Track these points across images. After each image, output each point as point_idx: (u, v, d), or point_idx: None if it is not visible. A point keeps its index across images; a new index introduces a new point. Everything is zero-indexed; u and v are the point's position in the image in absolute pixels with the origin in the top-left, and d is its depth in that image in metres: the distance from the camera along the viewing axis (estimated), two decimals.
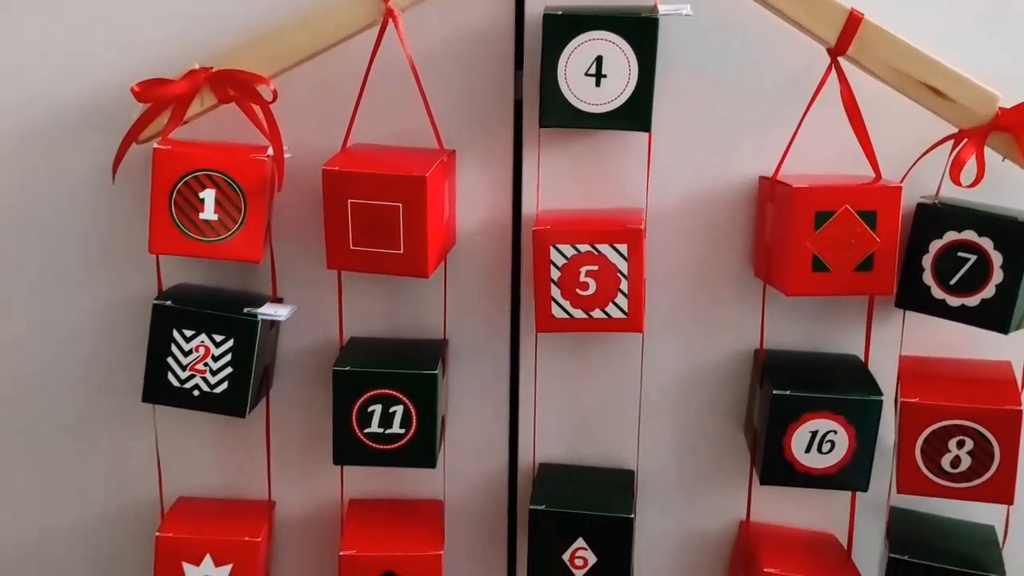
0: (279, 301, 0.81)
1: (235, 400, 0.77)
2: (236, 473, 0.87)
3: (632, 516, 0.77)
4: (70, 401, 0.86)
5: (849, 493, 0.81)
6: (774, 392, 0.74)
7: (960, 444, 0.72)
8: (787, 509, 0.85)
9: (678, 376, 0.84)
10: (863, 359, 0.79)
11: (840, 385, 0.75)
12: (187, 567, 0.79)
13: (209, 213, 0.74)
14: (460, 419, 0.85)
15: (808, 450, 0.75)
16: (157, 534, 0.79)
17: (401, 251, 0.73)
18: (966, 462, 0.73)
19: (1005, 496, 0.73)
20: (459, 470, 0.86)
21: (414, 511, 0.85)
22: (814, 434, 0.74)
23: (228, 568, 0.79)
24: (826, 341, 0.82)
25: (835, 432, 0.74)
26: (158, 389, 0.77)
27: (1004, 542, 0.79)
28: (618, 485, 0.82)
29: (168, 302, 0.77)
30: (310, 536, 0.87)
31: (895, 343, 0.80)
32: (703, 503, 0.86)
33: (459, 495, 0.86)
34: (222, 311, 0.76)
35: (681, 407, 0.84)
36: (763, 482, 0.77)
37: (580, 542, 0.78)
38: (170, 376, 0.76)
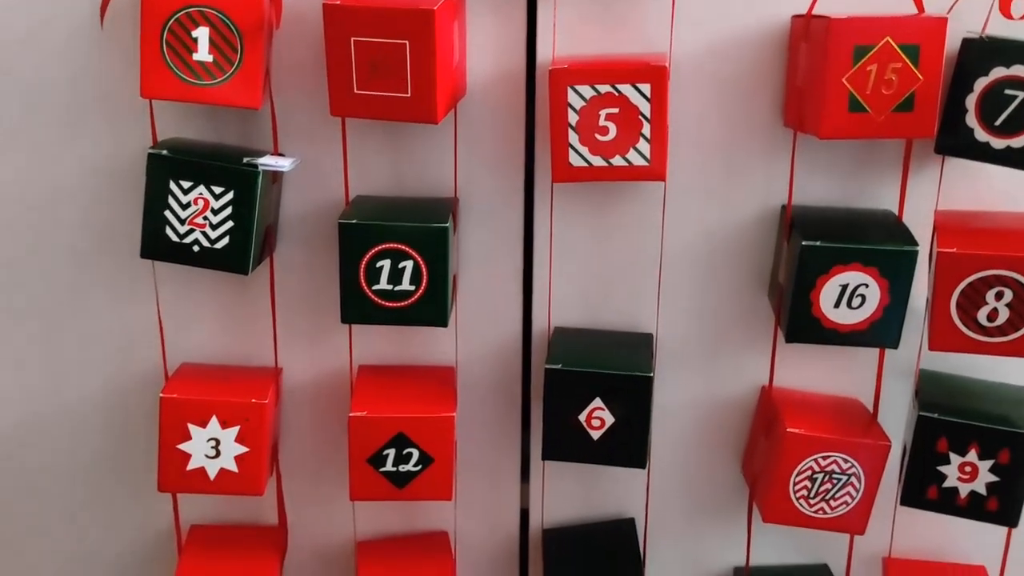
0: (280, 156, 0.77)
1: (237, 256, 0.73)
2: (241, 340, 0.84)
3: (651, 375, 0.74)
4: (66, 264, 0.83)
5: (876, 356, 0.78)
6: (803, 243, 0.70)
7: (999, 296, 0.69)
8: (810, 375, 0.82)
9: (700, 235, 0.80)
10: (897, 215, 0.75)
11: (873, 237, 0.71)
12: (193, 429, 0.77)
13: (203, 54, 0.69)
14: (472, 281, 0.82)
15: (837, 305, 0.71)
16: (161, 395, 0.77)
17: (408, 94, 0.68)
18: (1003, 315, 0.69)
19: None
20: (471, 335, 0.83)
21: (425, 376, 0.82)
22: (844, 288, 0.71)
23: (235, 430, 0.77)
24: (858, 198, 0.78)
25: (866, 286, 0.71)
26: (156, 244, 0.73)
27: None
28: (636, 347, 0.79)
29: (164, 151, 0.73)
30: (318, 402, 0.85)
31: (931, 198, 0.76)
32: (724, 368, 0.83)
33: (472, 361, 0.84)
34: (221, 161, 0.72)
35: (703, 268, 0.81)
36: (789, 340, 0.73)
37: (597, 402, 0.75)
38: (168, 231, 0.73)
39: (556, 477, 0.86)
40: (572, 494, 0.87)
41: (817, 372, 0.82)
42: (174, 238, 0.73)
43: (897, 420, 0.80)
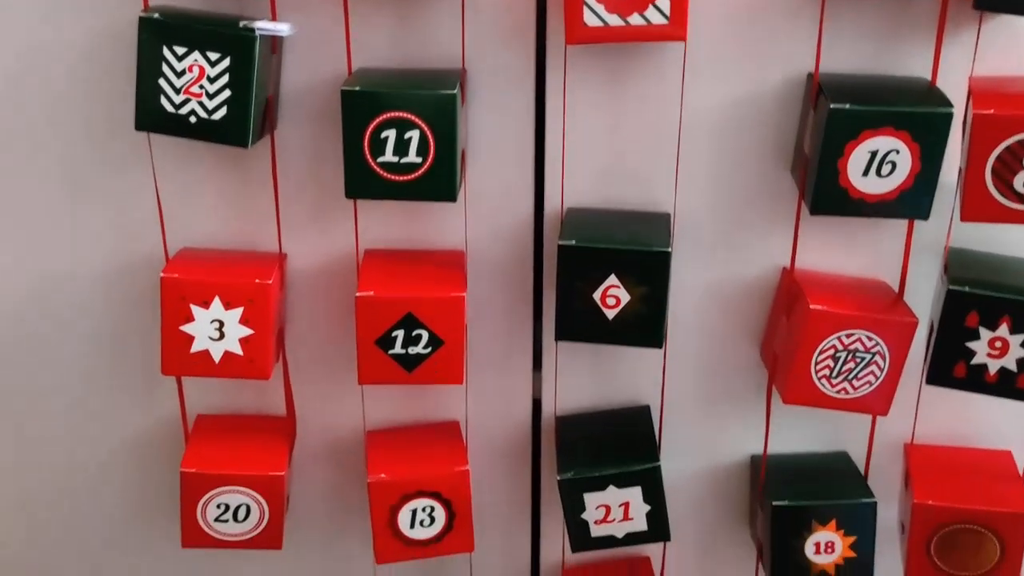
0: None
1: (236, 127, 0.70)
2: (243, 225, 0.81)
3: (669, 250, 0.71)
4: (57, 144, 0.79)
5: (903, 235, 0.75)
6: (831, 106, 0.66)
7: None
8: (834, 256, 0.79)
9: (722, 106, 0.76)
10: (930, 81, 0.71)
11: (905, 100, 0.67)
12: (196, 310, 0.75)
13: None
14: (481, 160, 0.79)
15: (866, 173, 0.68)
16: (162, 275, 0.74)
17: None
18: None
19: None
20: (481, 216, 0.80)
21: (434, 259, 0.80)
22: (873, 155, 0.67)
23: (238, 312, 0.75)
24: (889, 66, 0.73)
25: (897, 152, 0.67)
26: (151, 115, 0.70)
27: None
28: (653, 224, 0.76)
29: (156, 15, 0.69)
30: (325, 289, 0.82)
31: (965, 65, 0.72)
32: (744, 248, 0.80)
33: (481, 244, 0.81)
34: (216, 26, 0.68)
35: (724, 142, 0.77)
36: (813, 212, 0.70)
37: (612, 279, 0.72)
38: (163, 100, 0.70)
39: (569, 365, 0.84)
40: (585, 383, 0.85)
41: (841, 253, 0.79)
42: (170, 108, 0.70)
43: (924, 300, 0.77)
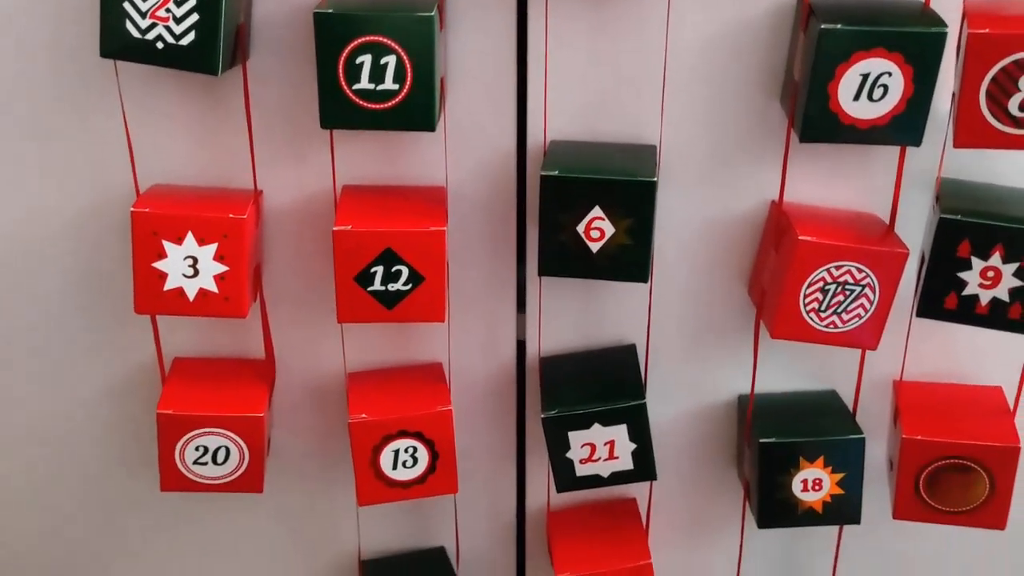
0: None
1: (205, 53, 0.67)
2: (216, 160, 0.78)
3: (655, 179, 0.69)
4: (21, 79, 0.76)
5: (895, 164, 0.73)
6: (822, 26, 0.64)
7: None
8: (824, 188, 0.77)
9: (708, 35, 0.73)
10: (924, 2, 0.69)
11: (898, 21, 0.65)
12: (168, 246, 0.72)
13: None
14: (460, 92, 0.76)
15: (857, 97, 0.66)
16: (132, 209, 0.72)
17: None
18: None
19: None
20: (462, 152, 0.78)
21: (414, 195, 0.77)
22: (865, 77, 0.65)
23: (213, 247, 0.73)
24: None
25: (889, 74, 0.65)
26: (116, 41, 0.67)
27: None
28: (639, 155, 0.74)
29: None
30: (302, 228, 0.80)
31: None
32: (732, 181, 0.78)
33: (463, 180, 0.78)
34: None
35: (711, 71, 0.74)
36: (803, 139, 0.68)
37: (596, 211, 0.70)
38: (128, 25, 0.67)
39: (554, 305, 0.82)
40: (570, 323, 0.83)
41: (831, 186, 0.77)
42: (135, 34, 0.67)
43: (915, 233, 0.76)
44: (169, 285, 0.73)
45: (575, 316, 0.83)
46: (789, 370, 0.84)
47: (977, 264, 0.69)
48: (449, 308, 0.82)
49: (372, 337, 0.84)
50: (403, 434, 0.78)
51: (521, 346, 0.85)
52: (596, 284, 0.82)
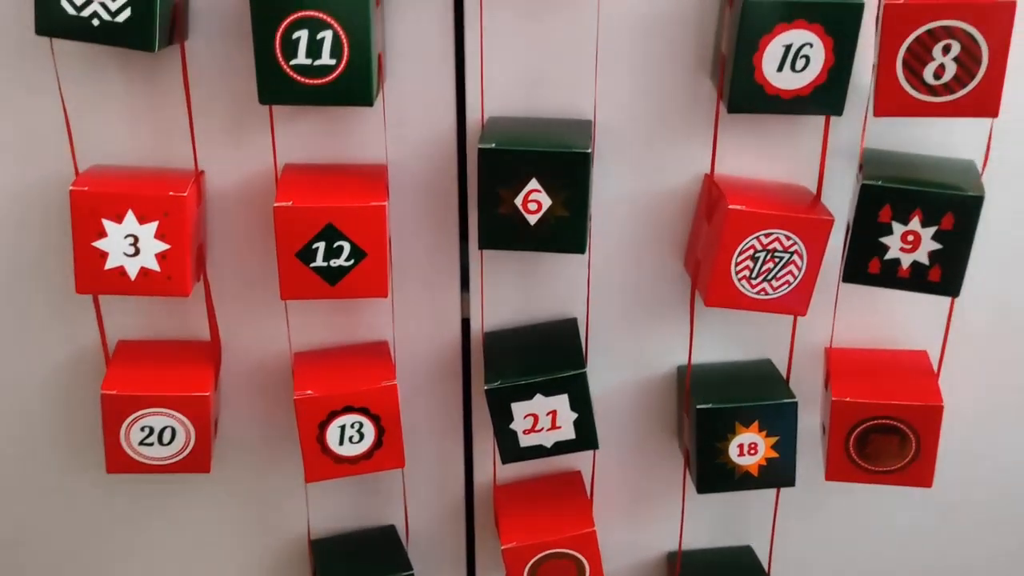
0: None
1: (141, 29, 0.68)
2: (156, 140, 0.78)
3: (589, 151, 0.71)
4: None
5: (820, 135, 0.76)
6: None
7: (946, 50, 0.66)
8: (754, 161, 0.80)
9: (639, 11, 0.75)
10: None
11: None
12: (108, 224, 0.73)
13: None
14: (399, 70, 0.77)
15: (780, 68, 0.68)
16: (71, 188, 0.72)
17: None
18: (950, 71, 0.67)
19: (990, 108, 0.68)
20: (401, 129, 0.79)
21: (355, 171, 0.78)
22: (787, 48, 0.68)
23: (153, 226, 0.73)
24: None
25: (811, 45, 0.68)
26: (52, 18, 0.67)
27: (983, 171, 0.75)
28: (574, 129, 0.76)
29: None
30: (243, 203, 0.80)
31: None
32: (666, 156, 0.80)
33: (403, 157, 0.80)
34: None
35: (643, 47, 0.77)
36: (731, 109, 0.71)
37: (533, 183, 0.72)
38: (64, 2, 0.67)
39: (496, 282, 0.84)
40: (512, 298, 0.85)
41: (761, 158, 0.79)
42: (71, 10, 0.67)
43: (842, 204, 0.78)
44: (110, 264, 0.74)
45: (517, 291, 0.85)
46: (725, 341, 0.86)
47: (898, 228, 0.72)
48: (393, 285, 0.83)
49: (317, 317, 0.85)
50: (349, 409, 0.79)
51: (466, 324, 0.87)
52: (538, 259, 0.83)
